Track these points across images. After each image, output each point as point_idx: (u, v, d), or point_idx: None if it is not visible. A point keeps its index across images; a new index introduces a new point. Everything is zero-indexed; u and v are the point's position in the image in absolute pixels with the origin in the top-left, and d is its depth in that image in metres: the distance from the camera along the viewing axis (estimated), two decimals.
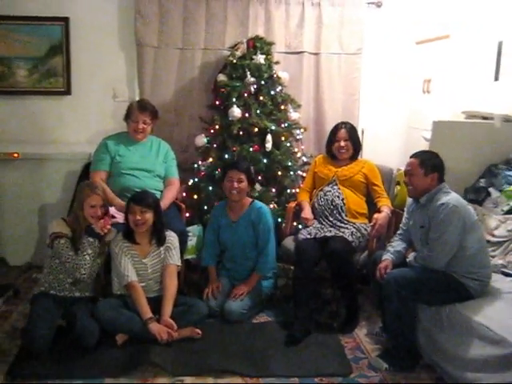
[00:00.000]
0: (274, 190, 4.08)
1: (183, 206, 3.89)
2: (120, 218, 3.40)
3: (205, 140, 4.16)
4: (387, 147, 4.60)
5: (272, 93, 4.16)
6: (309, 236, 3.55)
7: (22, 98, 4.48)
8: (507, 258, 3.21)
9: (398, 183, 4.00)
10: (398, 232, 3.30)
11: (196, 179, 4.14)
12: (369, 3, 4.54)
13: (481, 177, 3.77)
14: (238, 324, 3.37)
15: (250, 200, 3.65)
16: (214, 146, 4.13)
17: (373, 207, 3.73)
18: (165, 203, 3.56)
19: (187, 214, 3.96)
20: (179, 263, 3.35)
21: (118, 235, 3.27)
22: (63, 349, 2.97)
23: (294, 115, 4.25)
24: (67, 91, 4.49)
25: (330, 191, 3.71)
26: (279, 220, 4.00)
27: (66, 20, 4.36)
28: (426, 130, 3.88)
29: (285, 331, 3.27)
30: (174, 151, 3.94)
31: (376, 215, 3.57)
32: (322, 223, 3.67)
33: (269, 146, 4.03)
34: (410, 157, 3.11)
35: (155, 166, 3.76)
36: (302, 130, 4.33)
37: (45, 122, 4.51)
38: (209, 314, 3.35)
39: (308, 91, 4.59)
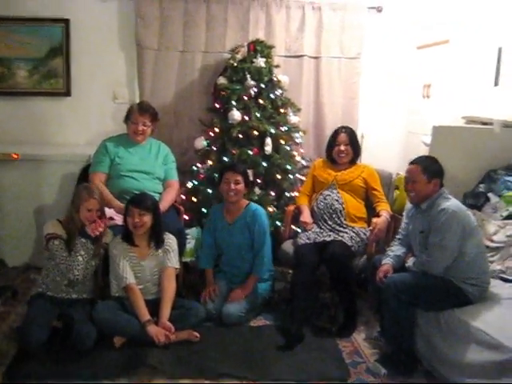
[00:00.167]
0: (273, 193, 4.08)
1: (182, 208, 3.89)
2: (119, 220, 3.40)
3: (204, 143, 4.16)
4: (387, 151, 4.61)
5: (272, 96, 4.16)
6: (308, 241, 3.55)
7: (21, 99, 4.49)
8: (506, 264, 3.21)
9: (397, 188, 4.00)
10: (397, 237, 3.30)
11: (195, 182, 4.14)
12: (369, 8, 4.55)
13: (480, 182, 3.77)
14: (236, 327, 3.37)
15: (247, 202, 3.65)
16: (214, 148, 4.14)
17: (372, 211, 3.73)
18: (164, 206, 3.56)
19: (186, 217, 3.95)
20: (178, 266, 3.34)
21: (117, 237, 3.27)
22: (61, 350, 2.96)
23: (293, 119, 4.26)
24: (67, 92, 4.50)
25: (329, 195, 3.72)
26: (278, 223, 4.00)
27: (66, 21, 4.37)
28: (425, 135, 3.88)
29: (282, 335, 3.27)
30: (173, 153, 3.94)
31: (375, 219, 3.57)
32: (321, 227, 3.67)
33: (268, 149, 4.03)
34: (410, 163, 3.09)
35: (155, 168, 3.75)
36: (301, 134, 4.33)
37: (44, 123, 4.52)
38: (207, 317, 3.35)
39: (308, 95, 4.60)
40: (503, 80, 3.90)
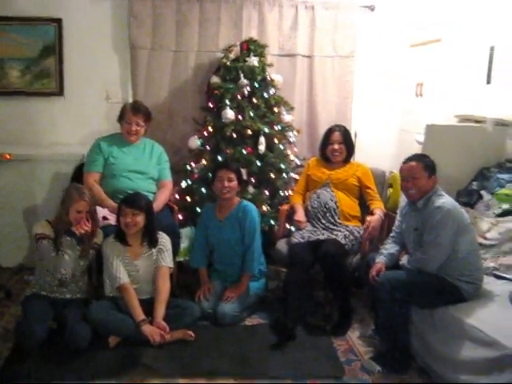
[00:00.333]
0: (267, 192, 4.08)
1: (176, 207, 3.88)
2: (112, 219, 3.39)
3: (198, 142, 4.15)
4: (380, 150, 4.62)
5: (265, 95, 4.16)
6: (302, 239, 3.55)
7: (14, 99, 4.46)
8: (499, 261, 3.22)
9: (391, 186, 4.01)
10: (391, 235, 3.30)
11: (189, 181, 4.13)
12: (362, 7, 4.56)
13: (473, 180, 3.79)
14: (231, 326, 3.37)
15: (238, 199, 3.65)
16: (208, 148, 4.13)
17: (366, 210, 3.74)
18: (158, 205, 3.55)
19: (180, 217, 3.95)
20: (172, 265, 3.34)
21: (110, 237, 3.26)
22: (55, 350, 2.95)
23: (287, 117, 4.26)
24: (60, 92, 4.48)
25: (323, 194, 3.72)
26: (272, 222, 4.00)
27: (59, 21, 4.35)
28: (418, 134, 3.90)
29: (275, 333, 3.27)
30: (166, 153, 3.93)
31: (369, 218, 3.58)
32: (315, 226, 3.67)
33: (262, 148, 4.03)
34: (406, 161, 3.06)
35: (148, 168, 3.75)
36: (295, 133, 4.34)
37: (37, 123, 4.50)
38: (202, 316, 3.35)
39: (301, 94, 4.60)
40: (495, 78, 3.91)
